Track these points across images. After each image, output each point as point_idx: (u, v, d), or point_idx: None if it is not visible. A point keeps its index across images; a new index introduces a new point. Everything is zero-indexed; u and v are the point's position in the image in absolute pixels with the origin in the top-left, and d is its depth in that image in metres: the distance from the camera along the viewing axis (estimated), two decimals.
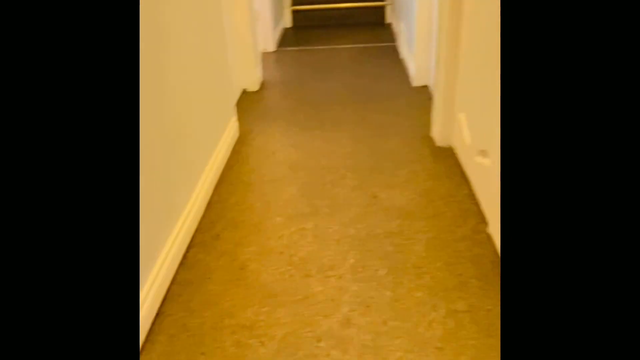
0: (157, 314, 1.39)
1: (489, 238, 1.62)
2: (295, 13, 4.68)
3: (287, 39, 4.35)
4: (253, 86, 3.10)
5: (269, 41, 3.89)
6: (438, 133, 2.25)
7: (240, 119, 2.67)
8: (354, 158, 2.21)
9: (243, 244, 1.67)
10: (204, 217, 1.83)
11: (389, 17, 4.55)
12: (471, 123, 1.89)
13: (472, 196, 1.85)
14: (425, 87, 2.97)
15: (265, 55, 3.82)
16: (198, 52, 1.90)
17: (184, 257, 1.62)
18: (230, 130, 2.35)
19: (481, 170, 1.75)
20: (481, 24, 1.70)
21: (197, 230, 1.75)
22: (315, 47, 4.01)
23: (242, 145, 2.39)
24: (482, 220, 1.71)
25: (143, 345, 1.29)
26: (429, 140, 2.32)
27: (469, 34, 1.89)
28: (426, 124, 2.46)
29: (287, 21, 4.68)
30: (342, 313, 1.36)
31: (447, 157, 2.15)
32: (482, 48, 1.69)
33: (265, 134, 2.50)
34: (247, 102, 2.94)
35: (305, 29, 4.56)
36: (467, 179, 1.95)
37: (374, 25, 4.54)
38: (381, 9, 4.60)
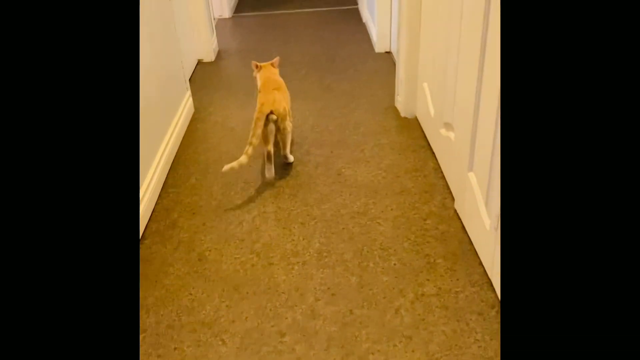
0: None
1: (455, 214, 1.58)
2: None
3: (244, 3, 4.13)
4: (208, 56, 2.94)
5: (224, 7, 3.68)
6: (402, 104, 2.17)
7: (196, 93, 2.52)
8: (318, 132, 2.12)
9: (201, 232, 1.58)
10: (157, 203, 1.72)
11: None
12: (434, 95, 1.82)
13: (438, 170, 1.80)
14: (389, 53, 2.87)
15: (221, 21, 3.62)
16: (144, 27, 1.74)
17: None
18: (185, 107, 2.21)
19: (446, 143, 1.69)
20: None
21: (151, 219, 1.64)
22: (274, 12, 3.82)
23: (198, 122, 2.26)
24: (449, 196, 1.66)
25: None
26: (393, 110, 2.25)
27: (428, 2, 1.79)
28: (390, 93, 2.38)
29: None
30: (307, 303, 1.30)
31: (413, 129, 2.09)
32: (444, 16, 1.59)
33: (223, 108, 2.38)
34: (202, 74, 2.78)
35: None
36: (433, 152, 1.89)
37: None
38: None
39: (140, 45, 1.71)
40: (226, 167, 1.67)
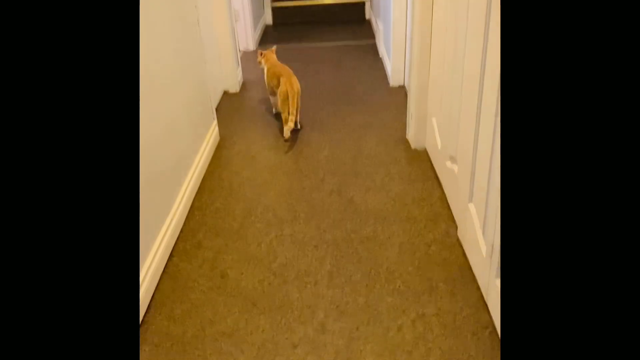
0: (141, 323, 1.46)
1: (457, 242, 1.70)
2: (275, 10, 4.69)
3: (268, 37, 4.37)
4: (234, 87, 3.14)
5: (249, 40, 3.92)
6: (412, 136, 2.32)
7: (222, 122, 2.71)
8: (332, 161, 2.27)
9: (224, 252, 1.73)
10: (185, 225, 1.88)
11: (369, 14, 4.59)
12: (441, 129, 1.97)
13: (443, 199, 1.93)
14: (402, 87, 3.03)
15: (246, 54, 3.84)
16: (177, 61, 1.94)
17: (166, 266, 1.68)
18: (211, 136, 2.40)
19: (451, 175, 1.83)
20: (448, 34, 1.77)
21: (179, 239, 1.81)
22: (296, 45, 4.04)
23: (223, 149, 2.44)
24: (453, 224, 1.79)
25: None
26: (404, 142, 2.39)
27: (437, 41, 1.95)
28: (402, 126, 2.53)
29: (268, 18, 4.70)
30: (317, 319, 1.43)
31: (422, 160, 2.23)
32: (449, 58, 1.75)
33: (245, 137, 2.56)
34: (228, 105, 2.98)
35: (286, 26, 4.59)
36: (440, 183, 2.03)
37: (354, 22, 4.58)
38: (361, 5, 4.63)
39: (173, 77, 1.91)
40: (287, 134, 2.43)
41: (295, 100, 2.42)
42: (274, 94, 2.65)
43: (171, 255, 1.73)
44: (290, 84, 2.44)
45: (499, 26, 1.19)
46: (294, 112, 2.42)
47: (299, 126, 2.55)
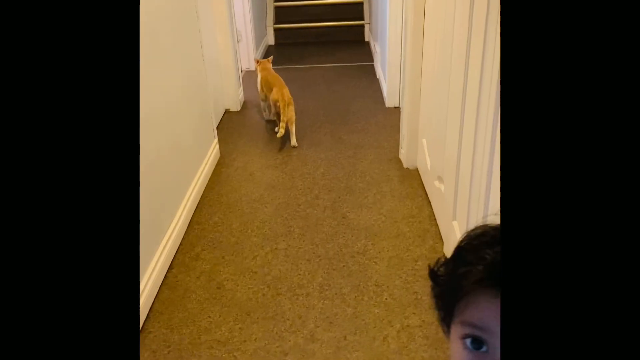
0: (141, 331, 1.54)
1: (444, 257, 1.78)
2: (277, 31, 4.84)
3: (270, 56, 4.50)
4: (235, 106, 3.26)
5: (251, 60, 4.04)
6: (405, 155, 2.42)
7: (223, 139, 2.81)
8: (327, 179, 2.37)
9: (221, 264, 1.82)
10: (184, 238, 1.97)
11: (368, 36, 4.73)
12: (431, 150, 2.06)
13: (432, 217, 2.02)
14: (397, 108, 3.14)
15: (248, 73, 3.97)
16: (181, 83, 2.05)
17: (166, 277, 1.76)
18: (212, 153, 2.50)
19: (438, 194, 1.92)
20: (436, 60, 1.87)
21: (179, 251, 1.89)
22: (297, 66, 4.17)
23: (223, 166, 2.54)
24: (440, 241, 1.87)
25: None
26: (397, 161, 2.49)
27: (427, 66, 2.06)
28: (396, 146, 2.63)
29: (270, 39, 4.84)
30: (307, 329, 1.51)
31: (413, 179, 2.32)
32: (437, 83, 1.86)
33: (245, 154, 2.66)
34: (229, 123, 3.09)
35: (287, 47, 4.73)
36: (429, 201, 2.12)
37: (353, 43, 4.72)
38: (360, 27, 4.78)
39: (177, 98, 2.01)
40: (280, 133, 2.63)
41: (286, 110, 2.65)
42: (264, 99, 2.98)
43: (170, 267, 1.81)
44: (282, 94, 2.69)
45: (481, 56, 1.29)
46: (285, 119, 2.65)
47: (295, 143, 2.71)
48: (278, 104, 2.68)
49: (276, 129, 2.76)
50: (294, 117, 2.72)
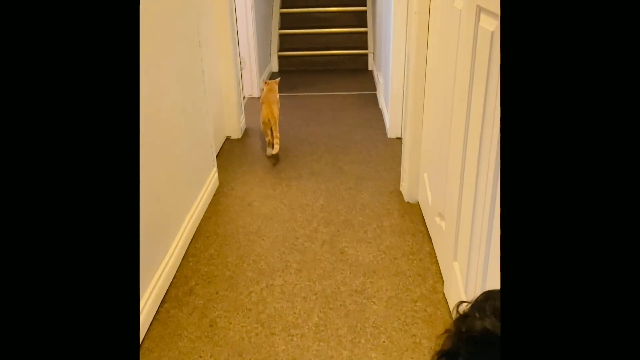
0: None
1: (444, 298, 1.73)
2: (282, 58, 4.87)
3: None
4: (236, 134, 3.24)
5: (254, 87, 4.05)
6: (406, 189, 2.38)
7: (222, 167, 2.79)
8: (327, 211, 2.33)
9: (214, 300, 1.77)
10: (178, 271, 1.92)
11: (371, 65, 4.75)
12: (432, 185, 2.03)
13: (432, 254, 1.97)
14: (399, 138, 3.12)
15: (250, 100, 3.97)
16: (180, 112, 2.04)
17: (158, 312, 1.71)
18: (210, 182, 2.47)
19: (439, 231, 1.87)
20: (438, 95, 1.85)
21: (172, 285, 1.85)
22: (300, 94, 4.18)
23: (221, 195, 2.50)
24: (440, 280, 1.82)
25: None
26: (398, 194, 2.45)
27: (430, 100, 2.04)
28: (397, 178, 2.60)
29: (274, 65, 4.87)
30: None
31: (413, 214, 2.28)
32: (439, 118, 1.83)
33: (244, 184, 2.63)
34: (229, 150, 3.07)
35: (291, 74, 4.74)
36: (430, 237, 2.07)
37: (357, 72, 4.74)
38: (364, 57, 4.80)
39: (176, 127, 1.99)
40: (269, 153, 2.87)
41: (276, 126, 2.85)
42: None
43: (163, 301, 1.76)
44: (271, 111, 2.86)
45: (483, 94, 1.27)
46: (277, 136, 2.85)
47: (276, 151, 2.89)
48: (268, 120, 2.86)
49: (268, 150, 2.91)
50: (276, 116, 2.89)
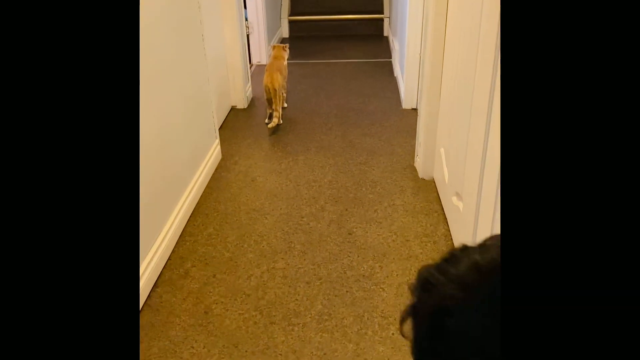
0: None
1: None
2: (292, 23, 4.64)
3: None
4: (241, 103, 3.07)
5: (262, 53, 3.85)
6: (420, 165, 2.21)
7: (225, 139, 2.63)
8: (335, 188, 2.17)
9: (211, 284, 1.64)
10: (174, 251, 1.80)
11: (387, 31, 4.50)
12: (449, 161, 1.85)
13: (448, 237, 1.81)
14: (415, 110, 2.92)
15: (258, 67, 3.78)
16: (176, 78, 1.87)
17: (149, 296, 1.59)
18: (212, 156, 2.32)
19: (456, 212, 1.71)
20: (459, 63, 1.66)
21: (166, 267, 1.72)
22: (311, 61, 3.97)
23: (223, 170, 2.36)
24: None
25: None
26: (412, 170, 2.28)
27: (449, 68, 1.85)
28: (411, 152, 2.42)
29: (285, 31, 4.64)
30: None
31: (429, 191, 2.11)
32: (459, 88, 1.64)
33: (248, 157, 2.48)
34: (234, 121, 2.91)
35: (302, 40, 4.52)
36: (445, 217, 1.91)
37: (371, 38, 4.50)
38: (380, 22, 4.55)
39: (172, 95, 1.84)
40: (271, 125, 2.65)
41: (277, 97, 2.64)
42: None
43: (156, 285, 1.64)
44: (271, 79, 2.66)
45: None
46: (278, 108, 2.65)
47: (280, 121, 2.70)
48: (268, 89, 2.67)
49: (266, 121, 2.76)
50: (277, 85, 2.67)
